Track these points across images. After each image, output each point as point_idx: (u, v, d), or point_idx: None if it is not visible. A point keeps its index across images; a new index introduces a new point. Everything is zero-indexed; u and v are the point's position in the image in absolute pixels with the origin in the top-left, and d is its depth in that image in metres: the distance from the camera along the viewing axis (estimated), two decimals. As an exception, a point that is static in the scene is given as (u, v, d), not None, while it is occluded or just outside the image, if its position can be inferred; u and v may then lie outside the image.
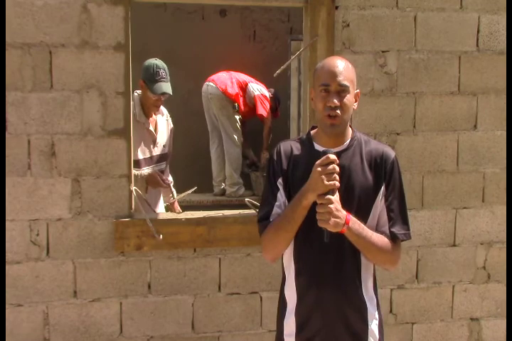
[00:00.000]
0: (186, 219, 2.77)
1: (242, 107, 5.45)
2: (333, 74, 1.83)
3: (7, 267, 2.64)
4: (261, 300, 2.88)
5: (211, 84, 5.36)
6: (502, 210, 3.03)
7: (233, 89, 5.35)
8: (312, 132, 1.99)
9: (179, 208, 3.63)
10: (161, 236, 2.68)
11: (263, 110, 5.49)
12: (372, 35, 2.85)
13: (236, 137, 5.44)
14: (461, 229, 3.02)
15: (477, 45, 2.95)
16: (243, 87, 5.44)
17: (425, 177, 2.96)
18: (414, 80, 2.90)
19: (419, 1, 2.87)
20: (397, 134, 2.92)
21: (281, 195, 1.91)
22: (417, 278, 3.01)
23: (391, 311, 2.99)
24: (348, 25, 2.82)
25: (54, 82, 2.61)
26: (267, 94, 5.58)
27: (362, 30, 2.84)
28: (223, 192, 5.59)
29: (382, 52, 2.87)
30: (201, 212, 2.89)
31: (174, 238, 2.73)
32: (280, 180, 1.91)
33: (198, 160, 5.87)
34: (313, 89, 1.93)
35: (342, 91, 1.83)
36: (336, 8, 2.80)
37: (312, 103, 1.93)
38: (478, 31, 2.94)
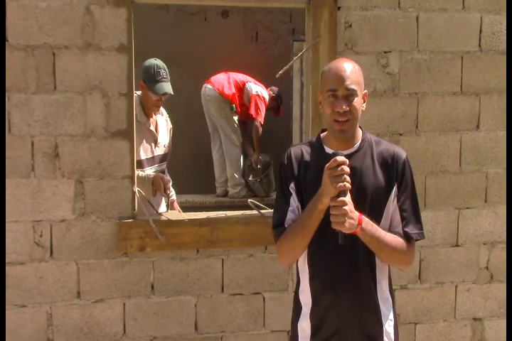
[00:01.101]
0: (189, 220, 2.77)
1: (239, 107, 5.43)
2: (340, 79, 1.81)
3: (11, 268, 2.65)
4: (264, 300, 2.88)
5: (209, 86, 5.35)
6: (504, 210, 3.03)
7: (230, 90, 5.33)
8: (322, 135, 1.97)
9: (179, 208, 3.64)
10: (164, 237, 2.68)
11: (255, 111, 5.44)
12: (375, 35, 2.85)
13: (235, 138, 5.43)
14: (464, 230, 3.02)
15: (479, 45, 2.95)
16: (240, 87, 5.40)
17: (428, 177, 2.96)
18: (416, 81, 2.91)
19: (422, 2, 2.87)
20: (400, 135, 2.92)
21: (293, 200, 1.90)
22: (419, 278, 3.01)
23: (394, 311, 2.99)
24: (351, 25, 2.82)
25: (57, 83, 2.62)
26: (266, 95, 5.54)
27: (364, 31, 2.84)
28: (226, 193, 5.59)
29: (385, 52, 2.87)
30: (204, 212, 2.89)
31: (177, 239, 2.73)
32: (292, 185, 1.90)
33: (199, 161, 5.87)
34: (320, 94, 1.91)
35: (350, 95, 1.81)
36: (338, 8, 2.80)
37: (320, 107, 1.91)
38: (480, 31, 2.94)
